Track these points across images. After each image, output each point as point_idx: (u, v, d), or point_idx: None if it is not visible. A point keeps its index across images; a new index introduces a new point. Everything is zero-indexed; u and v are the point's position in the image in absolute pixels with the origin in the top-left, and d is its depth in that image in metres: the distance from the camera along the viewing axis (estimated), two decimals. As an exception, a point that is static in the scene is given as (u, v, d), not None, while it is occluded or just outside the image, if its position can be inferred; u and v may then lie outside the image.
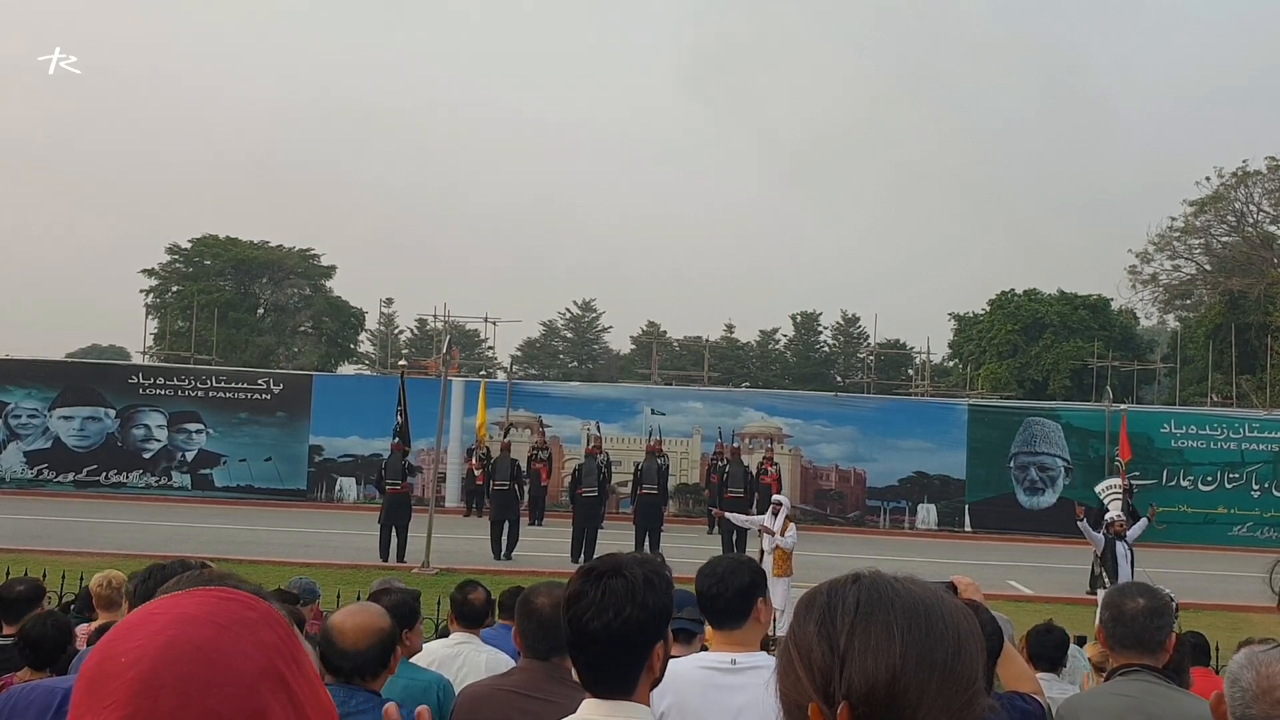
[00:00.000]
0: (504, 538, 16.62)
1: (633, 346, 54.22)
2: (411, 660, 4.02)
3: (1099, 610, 3.14)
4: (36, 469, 25.18)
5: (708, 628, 3.11)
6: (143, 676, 0.96)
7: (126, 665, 0.97)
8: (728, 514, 13.67)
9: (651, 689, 2.10)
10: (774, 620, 3.89)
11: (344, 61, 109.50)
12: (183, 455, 25.33)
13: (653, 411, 24.82)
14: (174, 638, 0.98)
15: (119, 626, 1.03)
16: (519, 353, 54.56)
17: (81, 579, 8.12)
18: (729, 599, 2.97)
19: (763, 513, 12.84)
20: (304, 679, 1.04)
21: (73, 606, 6.64)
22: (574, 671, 2.98)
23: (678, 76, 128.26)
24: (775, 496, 12.92)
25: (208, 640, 0.99)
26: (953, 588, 2.66)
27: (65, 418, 25.40)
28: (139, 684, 0.96)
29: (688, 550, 16.34)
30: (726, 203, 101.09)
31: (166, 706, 0.96)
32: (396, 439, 16.55)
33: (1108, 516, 13.03)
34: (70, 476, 25.10)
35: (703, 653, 2.98)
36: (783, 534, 11.85)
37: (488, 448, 21.78)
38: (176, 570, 3.26)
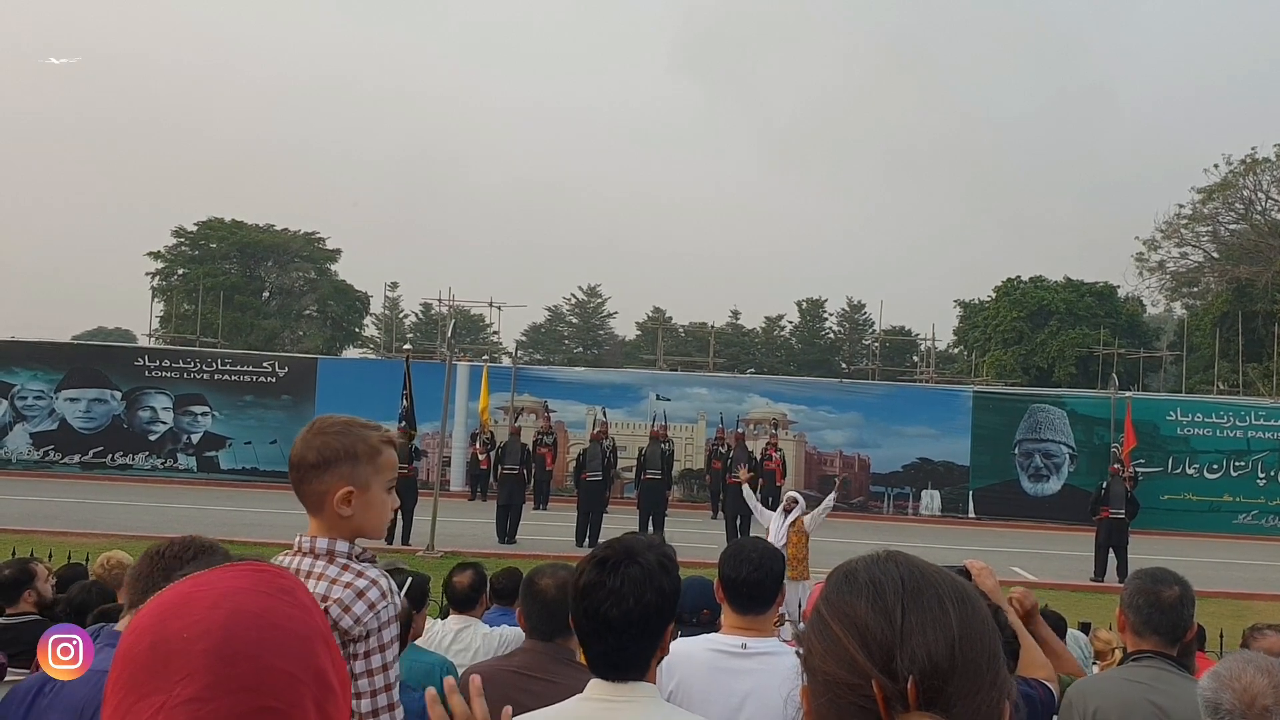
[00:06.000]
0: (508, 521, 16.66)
1: (638, 332, 54.19)
2: (415, 643, 4.03)
3: (1127, 595, 3.12)
4: (43, 450, 25.26)
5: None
6: (215, 647, 0.97)
7: (193, 639, 0.98)
8: (745, 488, 12.98)
9: (656, 665, 2.10)
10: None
11: (344, 45, 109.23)
12: (188, 437, 25.40)
13: (658, 397, 24.81)
14: (235, 608, 1.00)
15: (159, 607, 1.03)
16: (524, 338, 54.60)
17: (70, 558, 8.14)
18: (770, 585, 2.97)
19: (772, 508, 12.20)
20: (332, 635, 1.10)
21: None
22: (579, 654, 2.98)
23: (683, 61, 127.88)
24: (790, 493, 11.85)
25: (267, 608, 1.02)
26: (966, 572, 2.65)
27: (71, 399, 25.47)
28: (213, 654, 0.97)
29: (692, 535, 16.37)
30: (732, 189, 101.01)
31: (245, 672, 0.98)
32: (403, 423, 16.55)
33: None
34: (76, 458, 25.18)
35: (713, 634, 2.98)
36: (797, 526, 10.89)
37: (491, 432, 21.80)
38: (187, 546, 3.29)
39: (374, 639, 2.29)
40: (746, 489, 12.62)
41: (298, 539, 2.39)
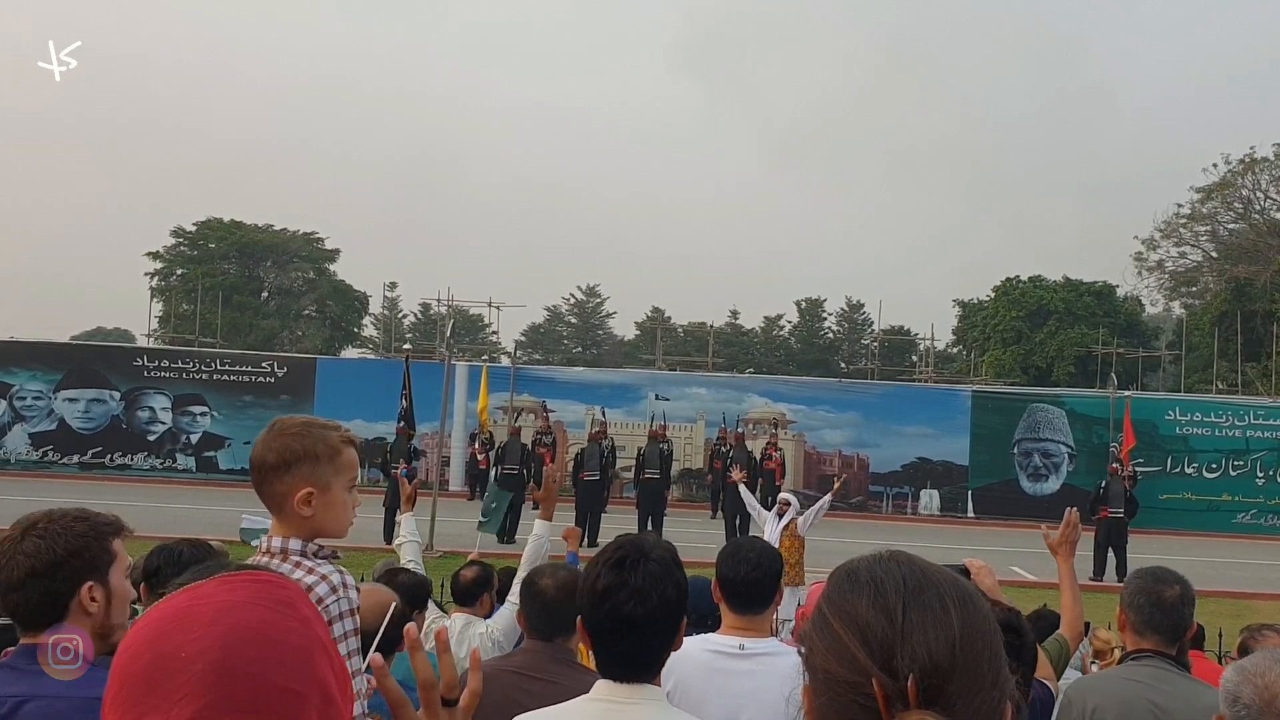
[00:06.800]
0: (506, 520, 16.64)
1: (637, 332, 54.18)
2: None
3: (1128, 595, 3.12)
4: (41, 451, 25.24)
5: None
6: (213, 666, 0.95)
7: (191, 658, 0.95)
8: (743, 486, 12.82)
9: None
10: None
11: (344, 45, 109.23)
12: (187, 438, 25.39)
13: (656, 397, 24.81)
14: (234, 624, 0.98)
15: (156, 621, 1.00)
16: (523, 338, 54.57)
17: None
18: (768, 584, 2.97)
19: (768, 507, 11.90)
20: (334, 644, 1.08)
21: None
22: (579, 654, 2.98)
23: (683, 61, 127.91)
24: (783, 495, 11.39)
25: (265, 623, 0.99)
26: (965, 571, 2.65)
27: (70, 400, 25.45)
28: (211, 674, 0.95)
29: (691, 535, 16.36)
30: (732, 189, 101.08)
31: (244, 692, 0.95)
32: (402, 423, 16.56)
33: None
34: (75, 458, 25.16)
35: (710, 635, 2.97)
36: (791, 529, 10.52)
37: (490, 432, 21.79)
38: (191, 551, 3.29)
39: None
40: (743, 489, 12.50)
41: (260, 541, 2.41)
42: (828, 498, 11.48)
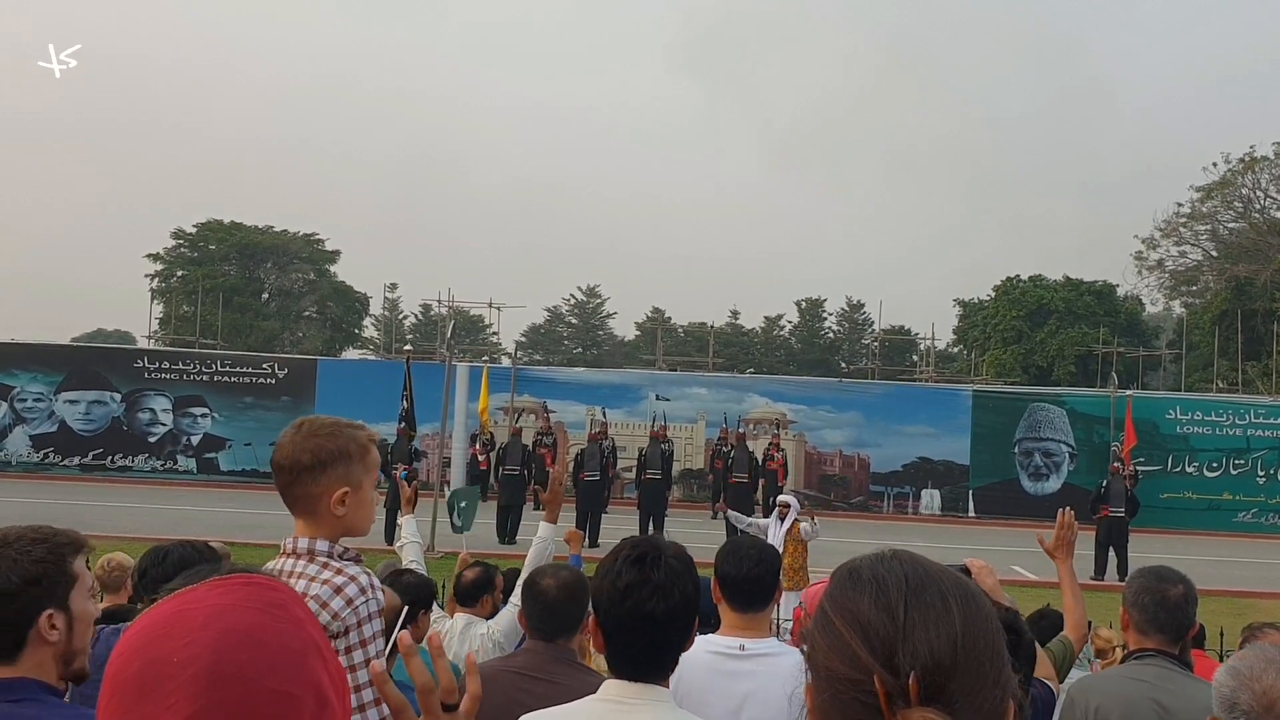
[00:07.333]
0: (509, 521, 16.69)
1: (638, 333, 54.18)
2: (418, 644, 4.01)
3: (1131, 594, 3.12)
4: (42, 453, 25.24)
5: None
6: (204, 671, 0.95)
7: (182, 664, 0.95)
8: (730, 511, 12.72)
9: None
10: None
11: (344, 45, 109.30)
12: (188, 439, 25.38)
13: (657, 397, 24.81)
14: (224, 628, 0.98)
15: (147, 627, 1.00)
16: (524, 338, 54.58)
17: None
18: (770, 581, 2.98)
19: (769, 511, 11.71)
20: (329, 646, 1.08)
21: None
22: (580, 655, 2.98)
23: (683, 61, 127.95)
24: (782, 497, 11.19)
25: (256, 626, 0.99)
26: (966, 571, 2.66)
27: (71, 401, 25.44)
28: (202, 679, 0.95)
29: (692, 535, 16.35)
30: (732, 189, 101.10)
31: (234, 697, 0.95)
32: (403, 424, 16.57)
33: None
34: (76, 460, 25.16)
35: (711, 636, 2.97)
36: (794, 534, 10.41)
37: (491, 433, 21.79)
38: (179, 552, 3.25)
39: (354, 634, 2.31)
40: (732, 514, 12.41)
41: (284, 541, 2.41)
42: (817, 524, 11.01)
